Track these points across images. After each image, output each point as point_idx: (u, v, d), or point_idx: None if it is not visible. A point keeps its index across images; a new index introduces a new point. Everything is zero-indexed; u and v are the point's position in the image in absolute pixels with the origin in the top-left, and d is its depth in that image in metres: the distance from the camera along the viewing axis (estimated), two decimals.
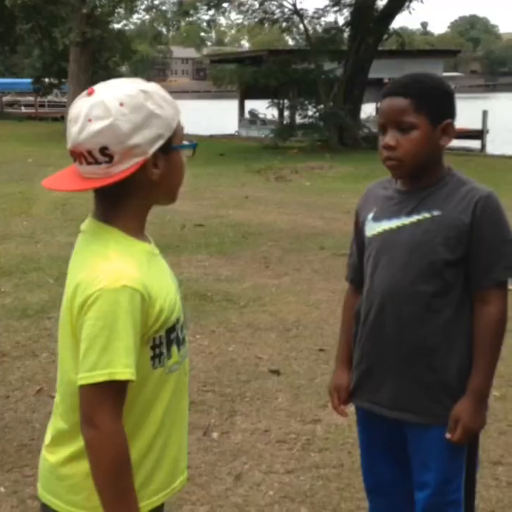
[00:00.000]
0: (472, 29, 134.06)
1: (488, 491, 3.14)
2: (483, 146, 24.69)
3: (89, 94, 1.45)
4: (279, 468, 3.36)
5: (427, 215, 2.01)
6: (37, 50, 31.82)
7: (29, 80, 33.08)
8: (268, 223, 9.36)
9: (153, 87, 1.48)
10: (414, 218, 2.02)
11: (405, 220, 2.04)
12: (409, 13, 23.67)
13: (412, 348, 2.04)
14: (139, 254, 1.50)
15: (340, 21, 23.47)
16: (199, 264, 7.23)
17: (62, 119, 28.38)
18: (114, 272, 1.41)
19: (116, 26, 30.91)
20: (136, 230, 1.51)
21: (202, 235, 8.63)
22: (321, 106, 21.86)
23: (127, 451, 1.44)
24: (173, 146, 1.49)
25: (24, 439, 3.52)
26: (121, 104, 1.41)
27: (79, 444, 1.49)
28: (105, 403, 1.41)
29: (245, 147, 21.57)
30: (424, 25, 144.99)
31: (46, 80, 32.19)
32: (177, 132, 1.50)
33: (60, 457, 1.54)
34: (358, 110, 21.44)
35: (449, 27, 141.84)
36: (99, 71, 25.01)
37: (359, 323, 2.16)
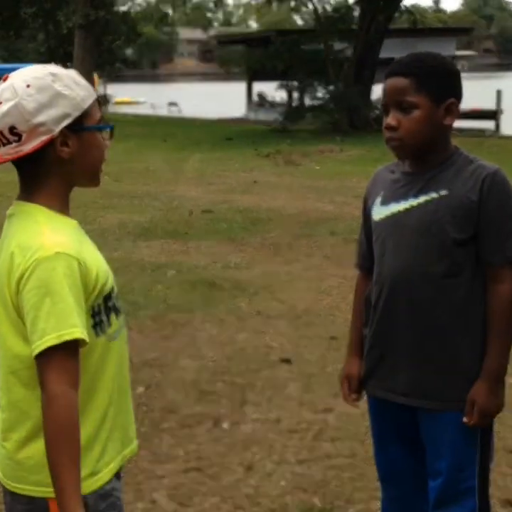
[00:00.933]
0: (485, 6, 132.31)
1: (505, 480, 3.11)
2: (498, 126, 24.40)
3: (4, 79, 1.55)
4: (291, 459, 3.33)
5: (434, 195, 1.99)
6: (41, 34, 31.73)
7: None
8: (277, 208, 9.31)
9: (65, 71, 1.57)
10: (422, 199, 2.00)
11: (413, 202, 2.02)
12: None
13: (424, 330, 2.02)
14: (68, 226, 1.56)
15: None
16: (207, 251, 7.19)
17: None
18: (47, 242, 1.47)
19: (122, 8, 30.79)
20: (60, 207, 1.57)
21: (210, 221, 8.59)
22: (331, 87, 21.69)
23: (72, 414, 1.44)
24: (84, 127, 1.55)
25: None
26: (28, 86, 1.51)
27: (27, 426, 1.53)
28: (53, 367, 1.43)
29: (253, 131, 21.48)
30: (436, 2, 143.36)
31: (53, 64, 32.22)
32: (91, 114, 1.56)
33: (14, 443, 1.56)
34: (368, 91, 21.23)
35: (461, 4, 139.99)
36: (104, 54, 24.89)
37: (370, 309, 2.14)
